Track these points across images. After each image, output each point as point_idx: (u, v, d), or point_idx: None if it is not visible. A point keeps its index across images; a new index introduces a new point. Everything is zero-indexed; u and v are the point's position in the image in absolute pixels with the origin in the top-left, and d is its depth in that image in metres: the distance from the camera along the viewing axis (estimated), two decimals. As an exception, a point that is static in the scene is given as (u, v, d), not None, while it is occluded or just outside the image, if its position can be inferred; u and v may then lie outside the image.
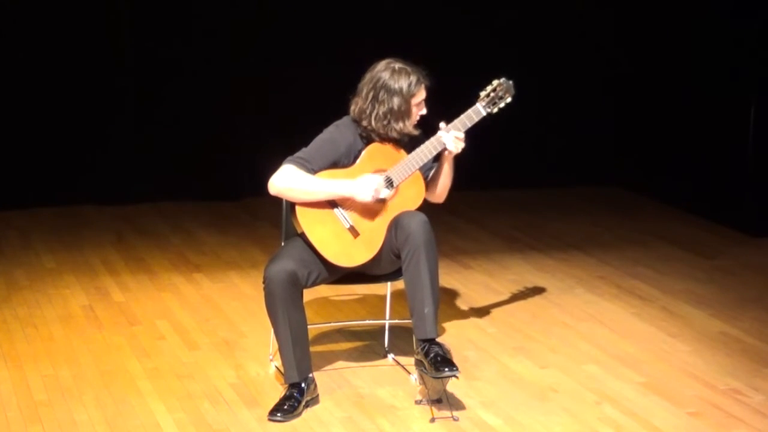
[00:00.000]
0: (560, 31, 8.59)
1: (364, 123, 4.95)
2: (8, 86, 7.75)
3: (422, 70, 4.99)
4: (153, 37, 7.95)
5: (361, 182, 4.88)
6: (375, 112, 4.92)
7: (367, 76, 4.98)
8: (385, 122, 4.92)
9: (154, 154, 8.04)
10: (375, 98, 4.92)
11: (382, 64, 4.99)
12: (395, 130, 4.94)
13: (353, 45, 7.78)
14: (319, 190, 4.87)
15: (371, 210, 4.95)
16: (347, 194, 4.87)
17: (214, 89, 8.04)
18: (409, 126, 4.97)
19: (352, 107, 4.99)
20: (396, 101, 4.91)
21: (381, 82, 4.93)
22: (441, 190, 5.16)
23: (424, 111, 5.01)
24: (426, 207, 5.03)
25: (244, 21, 8.02)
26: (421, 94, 4.98)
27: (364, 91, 4.95)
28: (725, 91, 7.76)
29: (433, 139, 4.97)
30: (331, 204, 4.93)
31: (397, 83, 4.92)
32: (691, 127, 8.10)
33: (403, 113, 4.93)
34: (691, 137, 8.11)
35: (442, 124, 4.99)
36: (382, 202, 4.94)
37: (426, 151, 4.96)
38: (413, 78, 4.94)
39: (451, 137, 4.96)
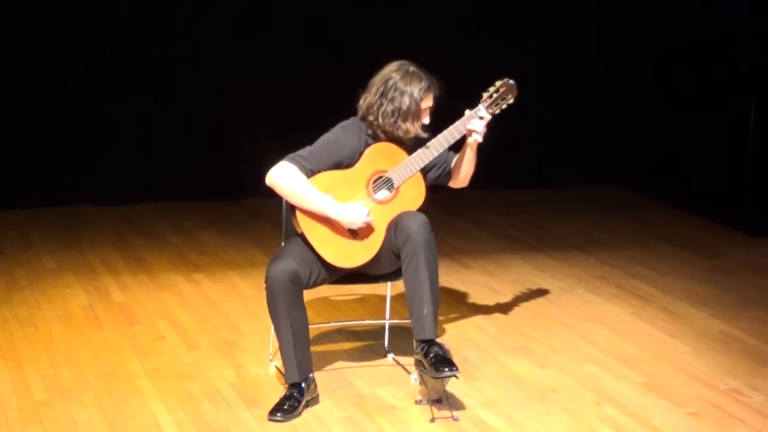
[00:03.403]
0: (560, 31, 8.59)
1: (371, 118, 4.96)
2: (8, 86, 7.75)
3: (433, 77, 5.00)
4: (153, 38, 7.95)
5: (349, 209, 4.88)
6: (383, 108, 4.93)
7: (379, 74, 5.00)
8: (392, 120, 4.93)
9: (154, 154, 8.04)
10: (384, 95, 4.93)
11: (395, 64, 5.01)
12: (402, 129, 4.95)
13: (354, 46, 7.79)
14: (310, 200, 4.86)
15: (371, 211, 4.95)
16: (334, 216, 4.88)
17: (214, 89, 8.04)
18: (416, 127, 4.97)
19: (360, 102, 5.00)
20: (406, 101, 4.92)
21: (392, 81, 4.95)
22: (464, 176, 5.17)
23: (427, 120, 5.01)
24: (425, 207, 5.02)
25: (244, 21, 8.02)
26: (429, 101, 4.99)
27: (374, 88, 4.97)
28: (725, 91, 7.76)
29: (435, 140, 4.97)
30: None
31: (409, 85, 4.93)
32: (691, 127, 8.10)
33: (413, 114, 4.94)
34: (691, 137, 8.11)
35: (467, 111, 5.01)
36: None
37: (429, 151, 4.96)
38: (425, 84, 4.96)
39: (482, 122, 4.97)
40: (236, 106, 8.10)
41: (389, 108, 4.93)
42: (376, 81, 4.99)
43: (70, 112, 7.88)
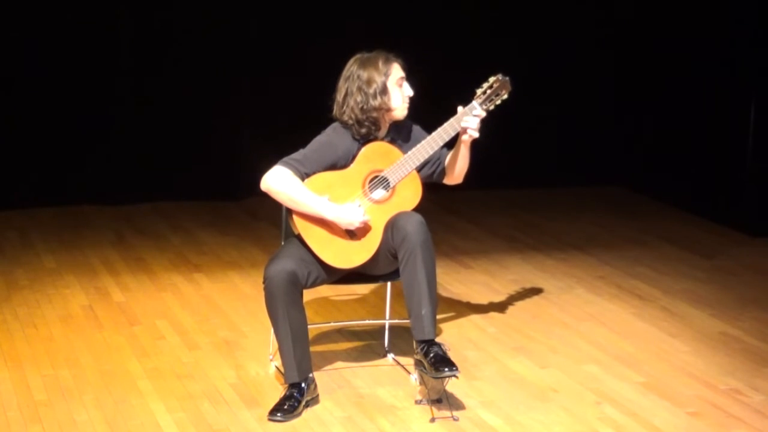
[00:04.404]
0: (560, 30, 8.59)
1: (345, 118, 4.97)
2: (8, 86, 7.75)
3: (388, 51, 5.02)
4: (152, 37, 7.95)
5: (346, 210, 4.88)
6: (353, 100, 4.94)
7: (341, 77, 5.04)
8: (363, 104, 4.93)
9: (153, 154, 8.04)
10: (349, 91, 4.96)
11: (350, 61, 5.05)
12: (374, 108, 4.93)
13: (354, 45, 7.77)
14: (306, 203, 4.87)
15: (368, 211, 4.95)
16: (331, 218, 4.88)
17: (213, 89, 8.04)
18: (389, 102, 4.96)
19: (335, 110, 5.02)
20: (371, 85, 4.93)
21: (353, 75, 4.98)
22: (459, 173, 5.16)
23: (410, 92, 5.01)
24: (425, 207, 5.02)
25: (243, 20, 8.02)
26: (398, 72, 4.99)
27: (340, 91, 5.01)
28: (725, 91, 7.76)
29: (430, 138, 4.98)
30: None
31: (367, 69, 4.96)
32: (692, 127, 8.10)
33: (380, 91, 4.94)
34: (691, 137, 8.11)
35: (459, 108, 5.01)
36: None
37: (424, 148, 4.96)
38: (381, 59, 4.98)
39: (477, 119, 4.97)
40: (236, 107, 8.10)
41: (357, 98, 4.94)
42: (340, 84, 5.03)
43: (70, 112, 7.88)
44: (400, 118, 5.04)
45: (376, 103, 4.95)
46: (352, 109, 4.95)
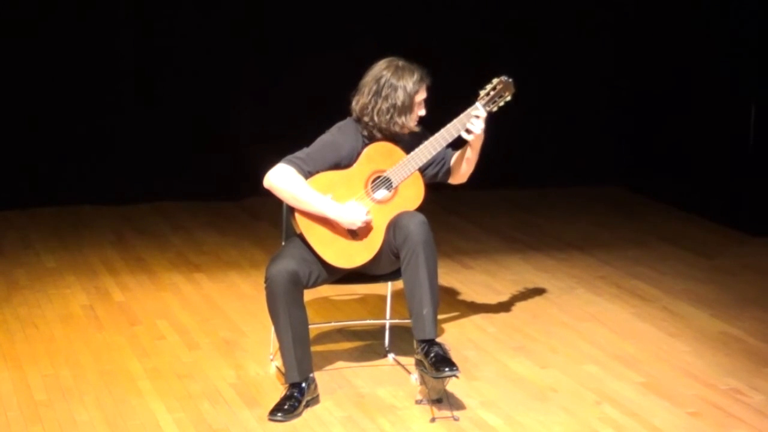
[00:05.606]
0: (560, 30, 8.59)
1: (366, 119, 4.96)
2: (8, 86, 7.75)
3: (423, 68, 5.01)
4: (152, 37, 7.95)
5: (348, 209, 4.88)
6: (378, 107, 4.93)
7: (370, 74, 5.01)
8: (388, 116, 4.93)
9: (153, 154, 8.04)
10: (377, 94, 4.93)
11: (384, 62, 5.02)
12: (398, 124, 4.95)
13: (354, 44, 7.78)
14: (309, 201, 4.87)
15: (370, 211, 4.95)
16: (333, 217, 4.88)
17: (213, 89, 8.04)
18: (410, 122, 4.98)
19: (353, 104, 5.01)
20: (400, 97, 4.93)
21: (384, 79, 4.95)
22: (464, 174, 5.18)
23: (423, 112, 5.02)
24: (425, 207, 5.02)
25: (244, 20, 8.02)
26: (423, 93, 5.00)
27: (366, 88, 4.97)
28: (725, 91, 7.76)
29: (433, 139, 4.98)
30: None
31: (401, 80, 4.94)
32: (692, 127, 8.10)
33: (407, 108, 4.95)
34: (691, 137, 8.11)
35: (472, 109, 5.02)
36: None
37: (428, 149, 4.96)
38: (416, 76, 4.97)
39: (480, 121, 4.99)
40: (236, 106, 8.09)
41: (384, 105, 4.93)
42: (368, 81, 5.00)
43: (71, 112, 7.88)
44: (405, 132, 5.04)
45: (400, 120, 4.96)
46: (378, 114, 4.94)
